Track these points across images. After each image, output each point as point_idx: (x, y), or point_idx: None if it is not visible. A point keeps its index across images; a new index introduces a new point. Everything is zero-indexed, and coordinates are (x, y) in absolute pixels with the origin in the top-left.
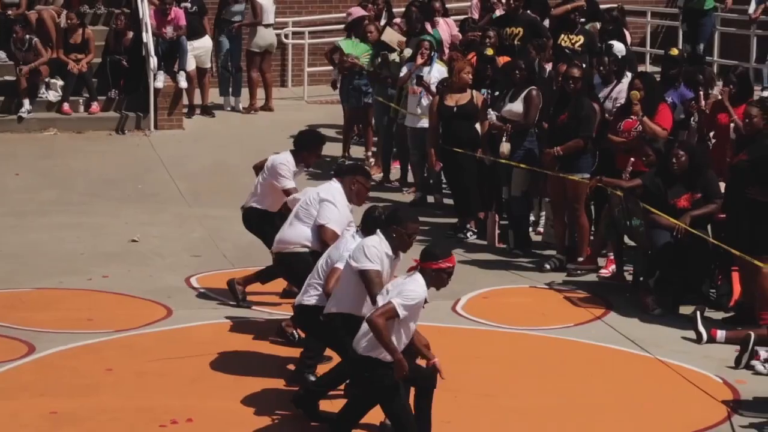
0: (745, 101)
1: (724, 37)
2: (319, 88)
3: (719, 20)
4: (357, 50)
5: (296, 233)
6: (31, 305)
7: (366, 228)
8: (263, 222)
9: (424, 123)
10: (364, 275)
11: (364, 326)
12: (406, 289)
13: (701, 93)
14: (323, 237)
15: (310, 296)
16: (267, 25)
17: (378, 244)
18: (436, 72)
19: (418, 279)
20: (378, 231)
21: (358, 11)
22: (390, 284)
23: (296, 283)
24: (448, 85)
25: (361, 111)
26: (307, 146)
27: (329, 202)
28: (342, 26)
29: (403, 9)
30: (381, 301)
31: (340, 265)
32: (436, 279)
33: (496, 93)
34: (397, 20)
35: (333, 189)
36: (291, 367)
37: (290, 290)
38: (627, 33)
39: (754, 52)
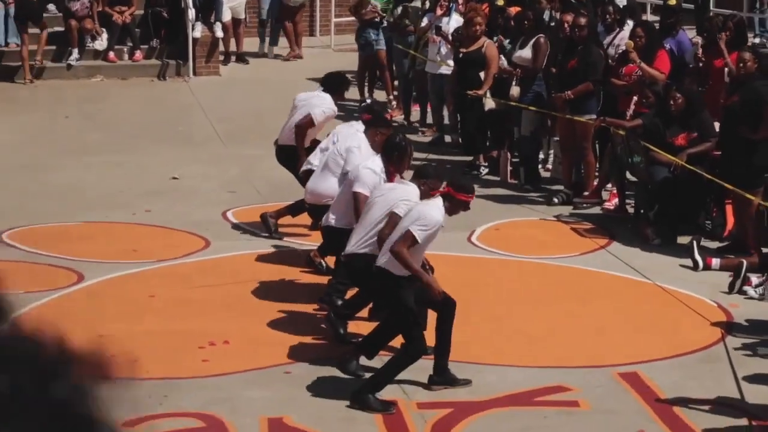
0: (739, 47)
1: None
2: (345, 37)
3: None
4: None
5: (327, 186)
6: (80, 237)
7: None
8: (293, 158)
9: (443, 70)
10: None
11: (384, 250)
12: (425, 215)
13: (700, 41)
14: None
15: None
16: None
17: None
18: (454, 22)
19: (438, 204)
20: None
21: None
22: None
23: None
24: (463, 34)
25: (371, 58)
26: (333, 89)
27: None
28: None
29: None
30: (399, 223)
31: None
32: (454, 208)
33: (508, 41)
34: None
35: (359, 137)
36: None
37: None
38: None
39: (746, 1)
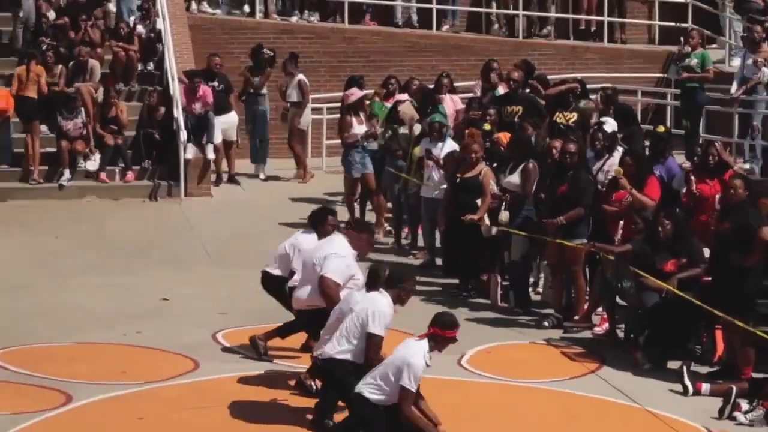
0: (722, 173)
1: (708, 113)
2: (336, 159)
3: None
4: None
5: (310, 292)
6: (69, 358)
7: (370, 284)
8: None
9: (436, 194)
10: (372, 339)
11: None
12: (413, 363)
13: (691, 169)
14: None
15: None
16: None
17: (387, 307)
18: (448, 147)
19: (424, 349)
20: (381, 290)
21: (357, 92)
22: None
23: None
24: (460, 159)
25: (357, 181)
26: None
27: (334, 255)
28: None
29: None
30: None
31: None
32: (442, 345)
33: (494, 164)
34: (406, 96)
35: (336, 241)
36: (309, 416)
37: (308, 345)
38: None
39: (736, 129)
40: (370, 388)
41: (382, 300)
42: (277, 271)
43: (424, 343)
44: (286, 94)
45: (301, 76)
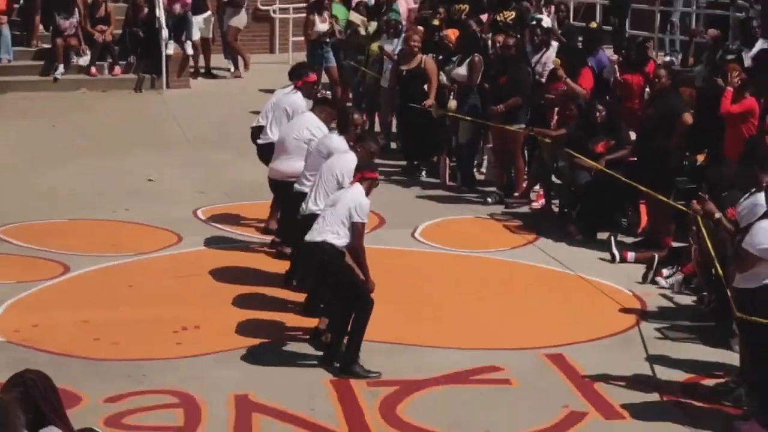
0: (643, 66)
1: (633, 11)
2: (302, 54)
3: None
4: (341, 14)
5: (289, 166)
6: (66, 233)
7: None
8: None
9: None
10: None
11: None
12: (360, 202)
13: (617, 60)
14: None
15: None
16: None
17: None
18: (400, 44)
19: (360, 189)
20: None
21: None
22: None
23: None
24: (403, 53)
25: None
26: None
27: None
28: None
29: None
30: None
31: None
32: (369, 187)
33: (440, 57)
34: None
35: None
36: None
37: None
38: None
39: (657, 24)
40: (332, 237)
41: (357, 190)
42: (263, 122)
43: (359, 186)
44: None
45: None
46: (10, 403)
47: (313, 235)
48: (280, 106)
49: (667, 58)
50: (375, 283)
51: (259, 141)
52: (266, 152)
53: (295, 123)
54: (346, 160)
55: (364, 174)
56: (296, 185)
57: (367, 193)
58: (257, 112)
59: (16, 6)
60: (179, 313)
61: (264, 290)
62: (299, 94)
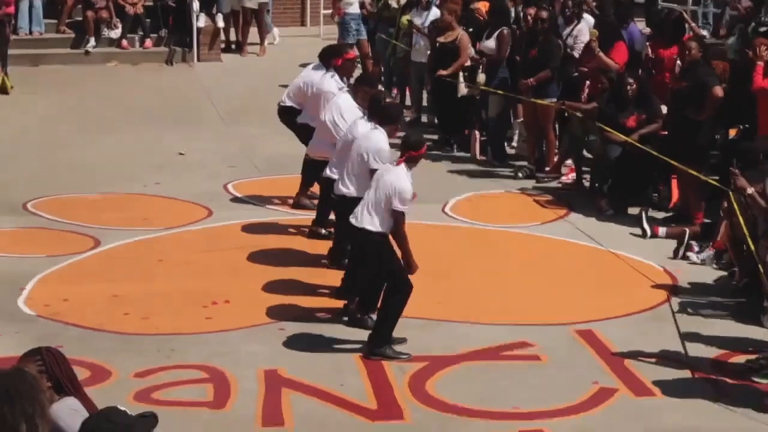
0: (678, 41)
1: None
2: (333, 27)
3: None
4: None
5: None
6: (97, 207)
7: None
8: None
9: (422, 58)
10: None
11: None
12: (400, 188)
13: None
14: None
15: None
16: None
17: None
18: (432, 15)
19: (404, 171)
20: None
21: None
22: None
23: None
24: (439, 26)
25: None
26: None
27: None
28: None
29: None
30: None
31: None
32: (415, 163)
33: (470, 30)
34: None
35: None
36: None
37: (299, 202)
38: None
39: None
40: (370, 223)
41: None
42: (289, 103)
43: (403, 167)
44: None
45: None
46: (37, 377)
47: (356, 219)
48: (312, 89)
49: (701, 31)
50: (419, 267)
51: (298, 120)
52: (303, 132)
53: (331, 106)
54: (373, 140)
55: (411, 153)
56: (326, 170)
57: (413, 167)
58: (287, 86)
59: None
60: (209, 287)
61: (295, 266)
62: (327, 76)
